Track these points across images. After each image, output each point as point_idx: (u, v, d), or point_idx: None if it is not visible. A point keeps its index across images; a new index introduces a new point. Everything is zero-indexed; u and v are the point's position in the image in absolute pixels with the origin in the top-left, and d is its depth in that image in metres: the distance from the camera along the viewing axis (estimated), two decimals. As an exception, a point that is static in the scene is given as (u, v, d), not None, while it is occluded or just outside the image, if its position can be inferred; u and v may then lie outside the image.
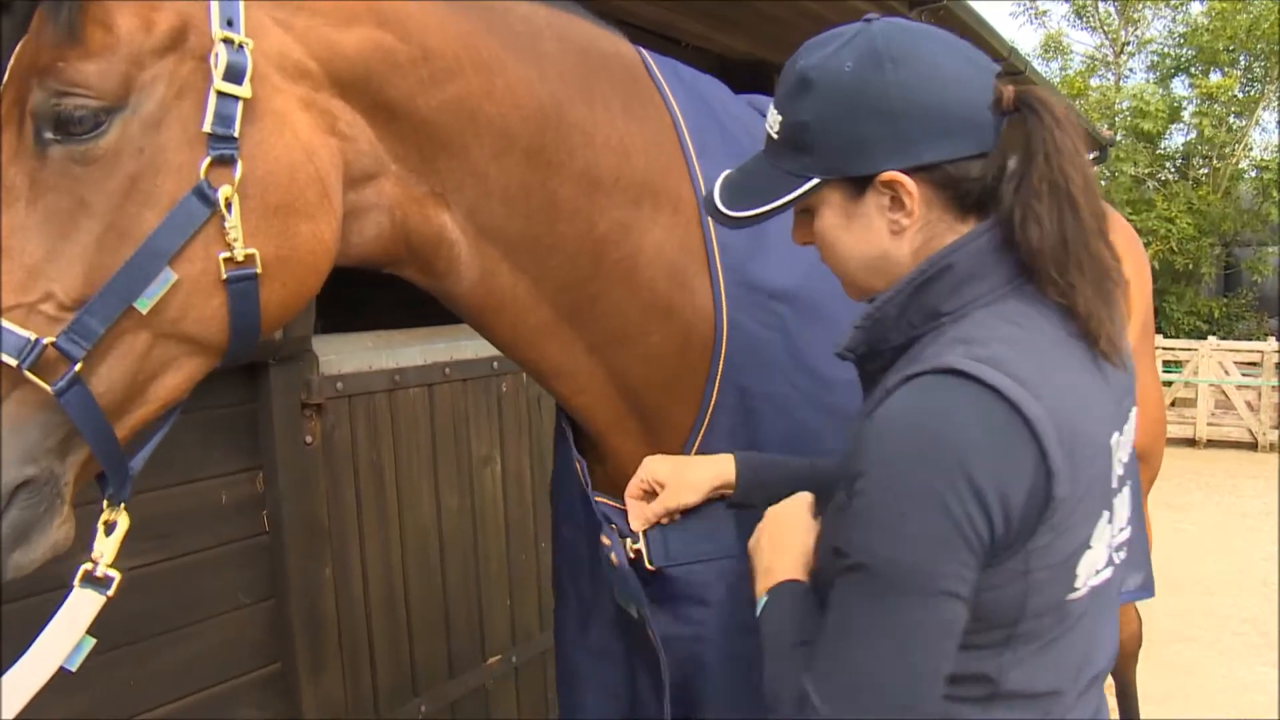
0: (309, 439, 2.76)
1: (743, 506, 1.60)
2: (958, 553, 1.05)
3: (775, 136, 1.25)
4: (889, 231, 1.20)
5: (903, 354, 1.20)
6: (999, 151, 1.18)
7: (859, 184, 1.20)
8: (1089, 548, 1.13)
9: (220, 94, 1.17)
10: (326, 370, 2.81)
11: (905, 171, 1.16)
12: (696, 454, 1.64)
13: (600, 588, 1.77)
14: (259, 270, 1.22)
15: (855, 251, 1.24)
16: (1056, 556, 1.10)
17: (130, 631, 2.41)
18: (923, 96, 1.15)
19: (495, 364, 3.33)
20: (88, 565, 1.25)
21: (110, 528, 1.27)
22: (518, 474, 3.50)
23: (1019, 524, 1.06)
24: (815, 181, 1.21)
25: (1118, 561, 1.21)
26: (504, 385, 3.42)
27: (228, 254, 1.19)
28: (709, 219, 1.59)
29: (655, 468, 1.61)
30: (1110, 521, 1.17)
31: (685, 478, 1.59)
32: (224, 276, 1.19)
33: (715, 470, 1.59)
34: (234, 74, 1.17)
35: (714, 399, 1.63)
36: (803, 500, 1.42)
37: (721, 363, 1.62)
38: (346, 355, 2.89)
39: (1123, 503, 1.19)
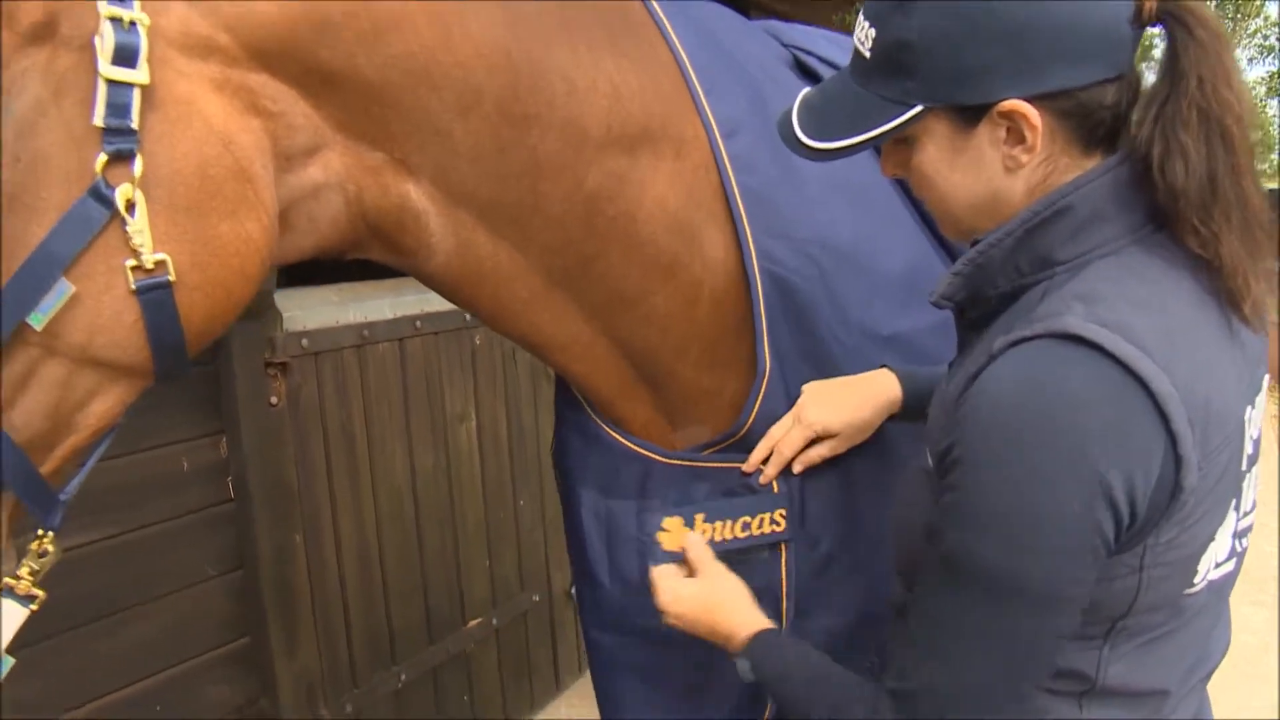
0: (274, 400, 2.60)
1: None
2: (1081, 559, 0.92)
3: (867, 56, 1.07)
4: (1003, 168, 1.03)
5: (1010, 303, 1.05)
6: (1137, 74, 1.02)
7: (971, 113, 1.02)
8: (1213, 540, 1.00)
9: (111, 82, 0.98)
10: (291, 327, 2.65)
11: (1028, 100, 0.98)
12: (756, 416, 1.51)
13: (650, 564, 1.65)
14: (173, 278, 1.03)
15: (961, 190, 1.07)
16: (1179, 553, 0.97)
17: (89, 609, 2.27)
18: (1051, 10, 0.96)
19: (468, 316, 3.17)
20: (10, 580, 1.10)
21: (41, 554, 1.12)
22: (493, 430, 3.36)
23: (1143, 518, 0.93)
24: (918, 110, 1.03)
25: (1240, 550, 1.08)
26: (477, 339, 3.26)
27: (134, 262, 1.01)
28: (726, 164, 1.44)
29: (822, 418, 1.46)
30: (1236, 508, 1.03)
31: (857, 422, 1.46)
32: (133, 287, 1.02)
33: (886, 405, 1.46)
34: (125, 57, 0.98)
35: (768, 361, 1.49)
36: (711, 575, 1.39)
37: (764, 321, 1.48)
38: (311, 310, 2.73)
39: (1250, 486, 1.06)
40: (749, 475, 1.53)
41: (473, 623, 3.27)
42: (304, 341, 2.65)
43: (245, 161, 1.07)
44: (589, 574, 1.67)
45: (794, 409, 1.49)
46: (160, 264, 1.02)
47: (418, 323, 3.00)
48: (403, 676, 2.97)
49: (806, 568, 1.52)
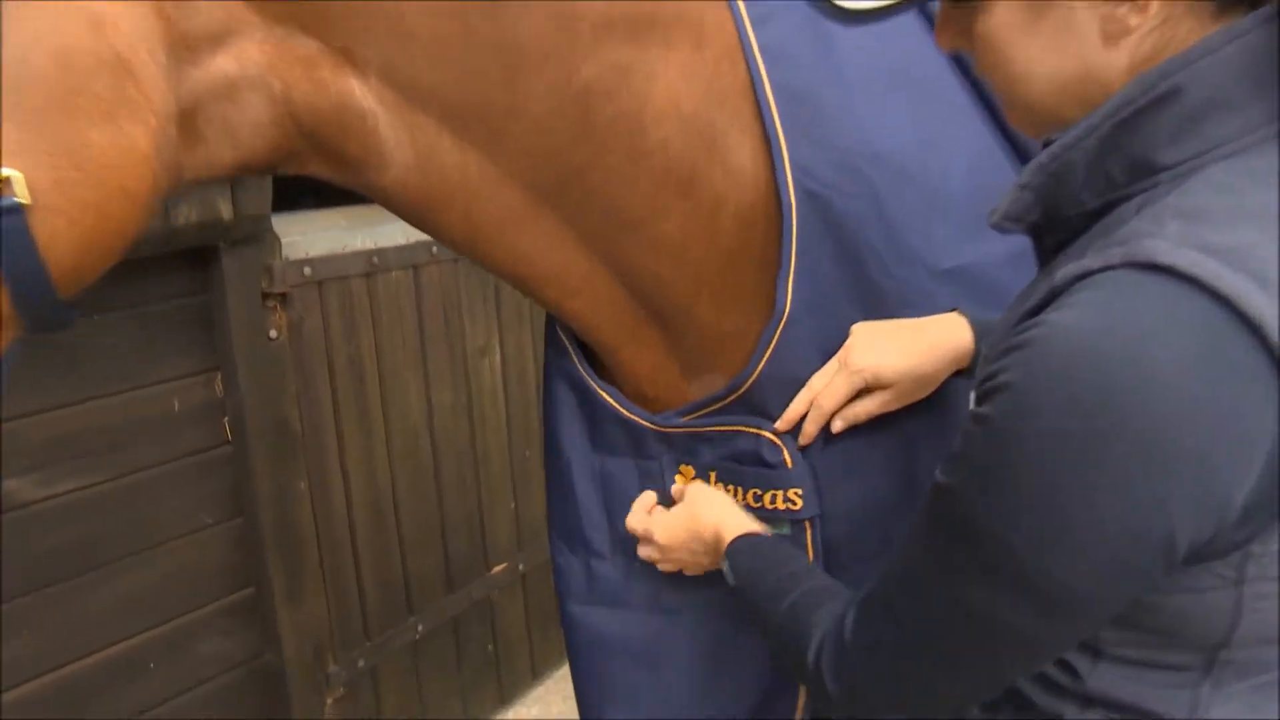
0: (273, 333, 2.39)
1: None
2: (1131, 572, 0.68)
3: None
4: (1101, 35, 0.76)
5: (1097, 223, 0.78)
6: None
7: None
8: None
9: None
10: (291, 254, 2.42)
11: None
12: (766, 369, 1.25)
13: None
14: (25, 200, 0.80)
15: (1042, 66, 0.80)
16: None
17: (76, 561, 2.09)
18: None
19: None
20: None
21: None
22: (519, 364, 3.14)
23: (1241, 516, 0.67)
24: None
25: None
26: (500, 265, 3.03)
27: None
28: (756, 55, 1.17)
29: (873, 364, 1.20)
30: None
31: (916, 373, 1.20)
32: None
33: (952, 356, 1.20)
34: None
35: (789, 298, 1.22)
36: (695, 493, 1.28)
37: (794, 249, 1.22)
38: (314, 236, 2.50)
39: None
40: (759, 441, 1.28)
41: (496, 568, 3.08)
42: (306, 270, 2.43)
43: (124, 49, 0.83)
44: (583, 543, 1.44)
45: (840, 353, 1.23)
46: (8, 182, 0.79)
47: (434, 248, 2.77)
48: (420, 627, 2.79)
49: (846, 551, 1.28)
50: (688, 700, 1.38)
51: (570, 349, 1.38)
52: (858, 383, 1.20)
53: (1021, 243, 1.16)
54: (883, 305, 1.24)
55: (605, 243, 1.18)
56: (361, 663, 2.61)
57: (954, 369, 1.21)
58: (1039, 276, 0.84)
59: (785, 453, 1.26)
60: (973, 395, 0.78)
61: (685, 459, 1.35)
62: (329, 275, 2.50)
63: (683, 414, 1.33)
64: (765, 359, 1.25)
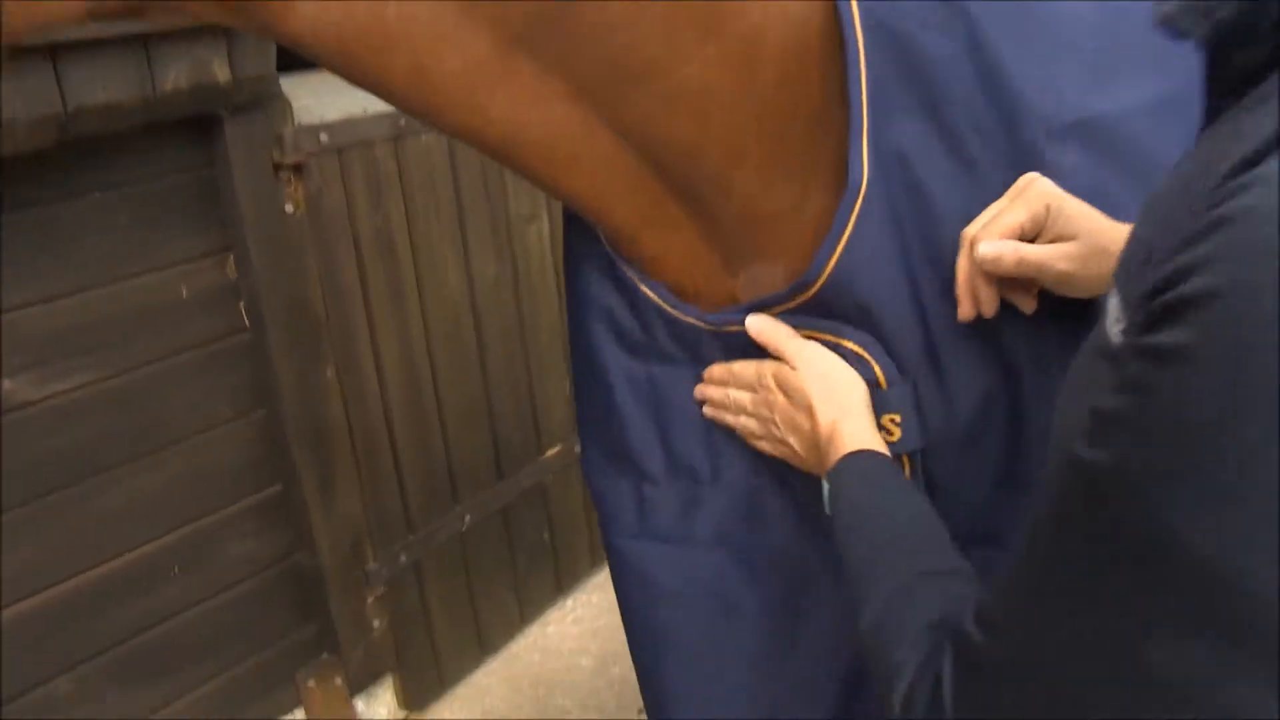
0: (289, 208, 2.16)
1: None
2: None
3: None
4: None
5: None
6: None
7: None
8: None
9: None
10: (304, 119, 2.17)
11: None
12: (843, 260, 0.96)
13: (724, 446, 1.17)
14: None
15: None
16: None
17: (83, 464, 1.93)
18: None
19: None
20: None
21: None
22: (569, 230, 2.88)
23: None
24: None
25: None
26: (545, 122, 2.74)
27: None
28: None
29: (1063, 197, 0.87)
30: None
31: (1108, 240, 0.86)
32: None
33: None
34: None
35: (866, 166, 0.93)
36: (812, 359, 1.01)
37: (865, 99, 0.92)
38: (330, 98, 2.23)
39: None
40: (840, 353, 1.01)
41: (550, 452, 2.89)
42: (322, 136, 2.18)
43: None
44: (630, 463, 1.19)
45: (1010, 190, 0.90)
46: None
47: (468, 106, 2.49)
48: (467, 518, 2.62)
49: (947, 496, 1.02)
50: (761, 663, 1.15)
51: (602, 236, 1.12)
52: (1038, 212, 0.87)
53: (1174, 88, 0.87)
54: (974, 172, 0.94)
55: (605, 97, 0.88)
56: (404, 558, 2.45)
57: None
58: (1220, 126, 0.55)
59: (878, 369, 0.99)
60: (1114, 323, 0.52)
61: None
62: (349, 142, 2.24)
63: (742, 313, 1.07)
64: (841, 246, 0.96)
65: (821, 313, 1.02)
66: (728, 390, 1.08)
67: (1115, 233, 0.84)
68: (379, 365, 2.37)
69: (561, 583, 2.98)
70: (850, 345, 1.00)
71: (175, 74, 1.81)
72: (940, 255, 0.95)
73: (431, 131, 2.41)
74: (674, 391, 1.16)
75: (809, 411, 0.99)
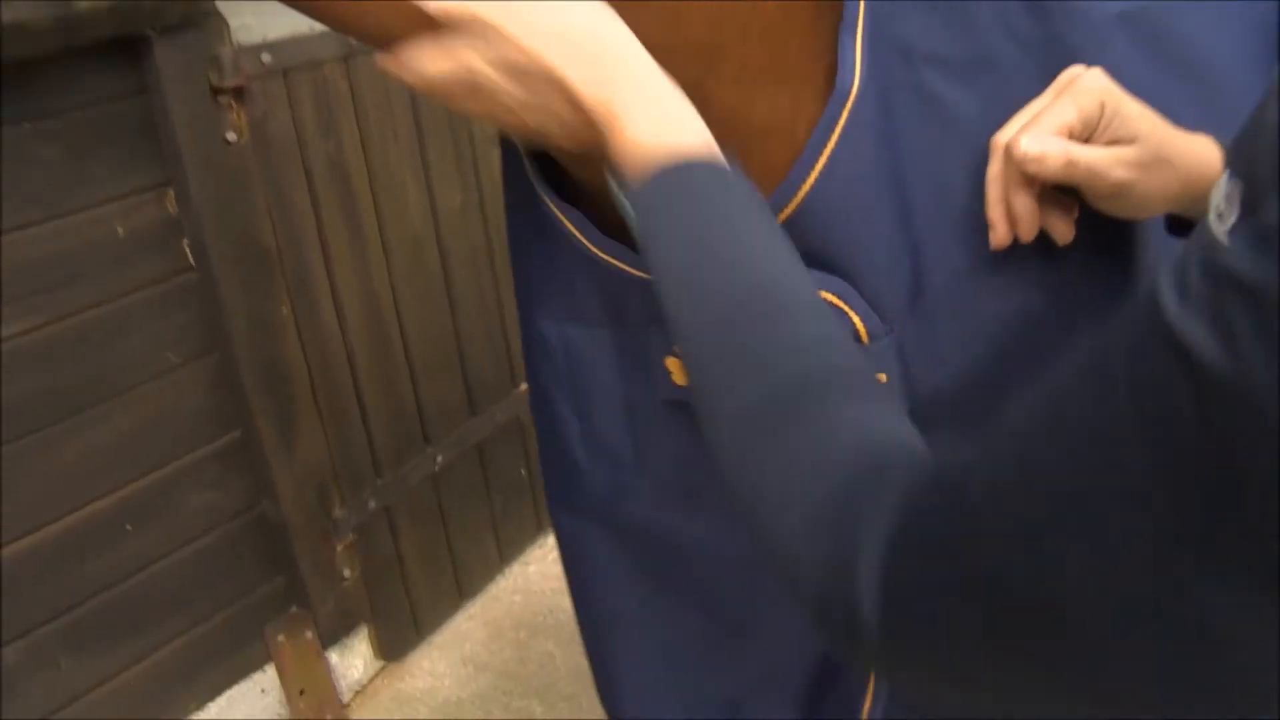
0: (231, 136, 2.00)
1: None
2: None
3: None
4: None
5: None
6: None
7: None
8: None
9: None
10: (244, 38, 2.00)
11: None
12: (822, 178, 0.78)
13: (647, 423, 1.00)
14: None
15: None
16: None
17: (25, 418, 1.80)
18: None
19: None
20: None
21: None
22: (536, 153, 2.72)
23: None
24: None
25: None
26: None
27: None
28: None
29: (1120, 93, 0.72)
30: None
31: (1169, 147, 0.72)
32: None
33: (1195, 174, 0.73)
34: None
35: (858, 66, 0.77)
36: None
37: None
38: (272, 16, 2.05)
39: None
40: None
41: (524, 385, 2.76)
42: (265, 57, 2.01)
43: None
44: (554, 438, 1.04)
45: (1053, 85, 0.74)
46: None
47: (423, 21, 2.32)
48: (439, 458, 2.50)
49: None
50: (714, 654, 1.02)
51: (530, 166, 0.93)
52: (1089, 108, 0.71)
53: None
54: (996, 71, 0.79)
55: None
56: (373, 503, 2.34)
57: (1181, 203, 0.74)
58: None
59: (858, 321, 0.82)
60: (1222, 217, 0.40)
61: None
62: (296, 62, 2.08)
63: None
64: (819, 167, 0.77)
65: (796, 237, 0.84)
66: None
67: (1181, 141, 0.71)
68: (338, 302, 2.23)
69: (541, 520, 2.88)
70: (821, 294, 0.80)
71: (91, -10, 1.64)
72: (948, 176, 0.79)
73: (384, 49, 2.25)
74: (592, 360, 0.97)
75: (558, 88, 0.64)
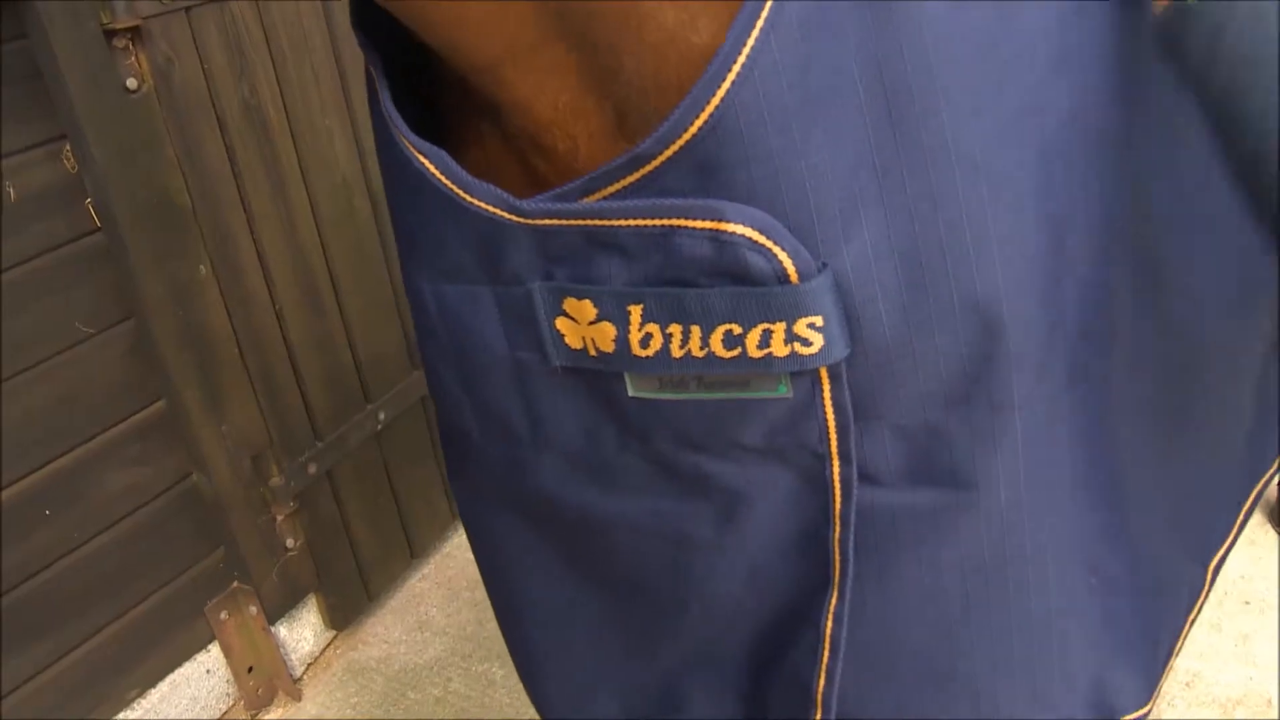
0: (131, 83, 1.83)
1: None
2: None
3: None
4: None
5: None
6: None
7: None
8: None
9: None
10: (137, -27, 1.83)
11: None
12: (734, 91, 0.63)
13: (544, 392, 0.84)
14: None
15: None
16: None
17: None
18: None
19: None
20: None
21: None
22: (468, 88, 2.57)
23: None
24: None
25: None
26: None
27: None
28: None
29: None
30: None
31: None
32: None
33: None
34: None
35: None
36: None
37: None
38: (167, -55, 1.89)
39: None
40: (727, 242, 0.67)
41: (468, 334, 2.64)
42: (163, -7, 1.84)
43: None
44: (446, 410, 0.90)
45: None
46: None
47: (338, -50, 2.15)
48: (382, 415, 2.38)
49: (889, 397, 0.72)
50: (642, 635, 0.91)
51: (378, 76, 0.78)
52: None
53: None
54: None
55: None
56: (313, 468, 2.21)
57: None
58: None
59: (785, 258, 0.67)
60: None
61: (578, 284, 0.75)
62: (198, -2, 1.91)
63: (571, 195, 0.72)
64: (735, 70, 0.63)
65: (697, 181, 0.68)
66: None
67: None
68: (263, 258, 2.09)
69: (493, 474, 2.77)
70: (739, 230, 0.68)
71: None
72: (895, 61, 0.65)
73: (296, -19, 2.08)
74: (471, 320, 0.83)
75: None
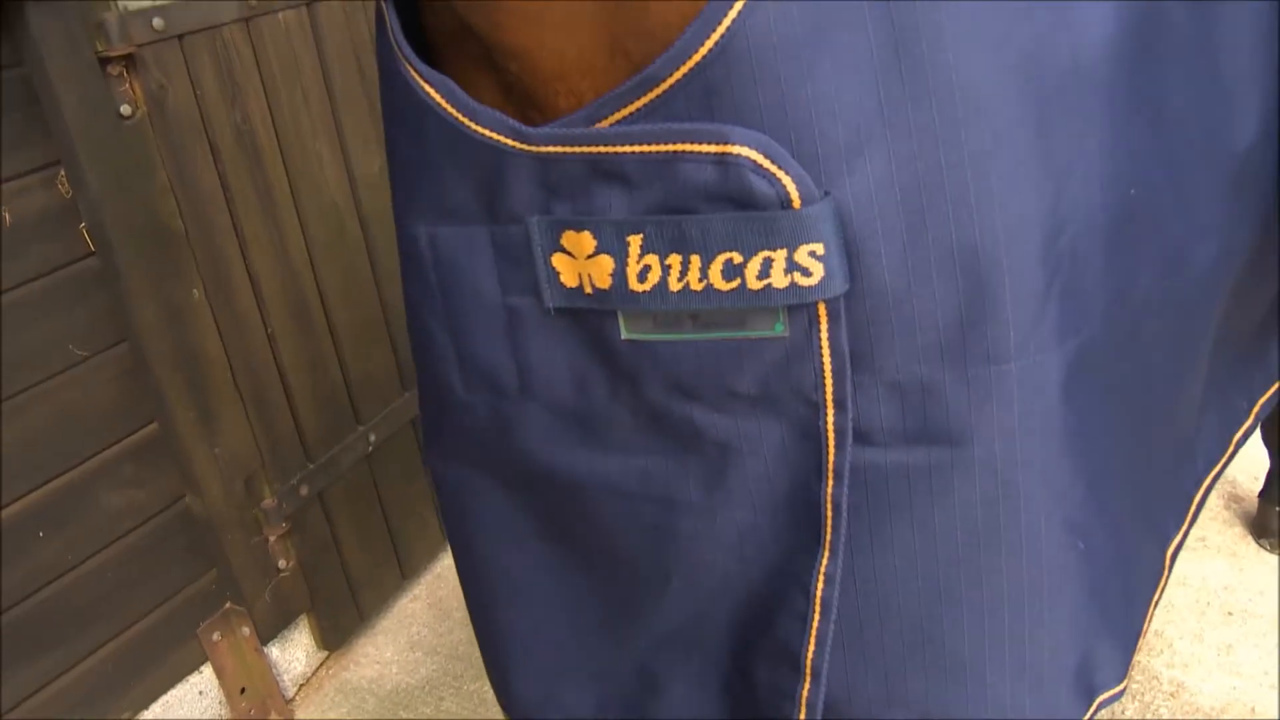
0: (125, 109, 1.86)
1: None
2: None
3: None
4: None
5: None
6: None
7: None
8: None
9: None
10: (130, 2, 1.85)
11: None
12: (743, 18, 0.66)
13: (534, 341, 0.85)
14: None
15: None
16: None
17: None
18: None
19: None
20: None
21: None
22: (457, 112, 2.59)
23: None
24: None
25: None
26: (419, -9, 2.43)
27: None
28: None
29: None
30: None
31: None
32: None
33: None
34: None
35: None
36: None
37: None
38: (160, -26, 1.92)
39: None
40: (731, 165, 0.69)
41: (457, 356, 2.66)
42: (156, 21, 1.87)
43: None
44: (427, 367, 0.94)
45: None
46: None
47: (329, -23, 2.18)
48: (372, 437, 2.40)
49: (885, 341, 0.74)
50: (623, 608, 0.93)
51: (387, 7, 0.81)
52: None
53: None
54: None
55: None
56: (305, 490, 2.23)
57: None
58: None
59: (788, 182, 0.69)
60: None
61: (578, 216, 0.75)
62: (191, 26, 1.94)
63: (577, 122, 0.73)
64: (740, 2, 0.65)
65: (703, 105, 0.69)
66: None
67: None
68: (255, 282, 2.11)
69: (484, 494, 2.79)
70: (744, 152, 0.69)
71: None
72: None
73: (287, 8, 2.11)
74: (466, 263, 0.84)
75: None
